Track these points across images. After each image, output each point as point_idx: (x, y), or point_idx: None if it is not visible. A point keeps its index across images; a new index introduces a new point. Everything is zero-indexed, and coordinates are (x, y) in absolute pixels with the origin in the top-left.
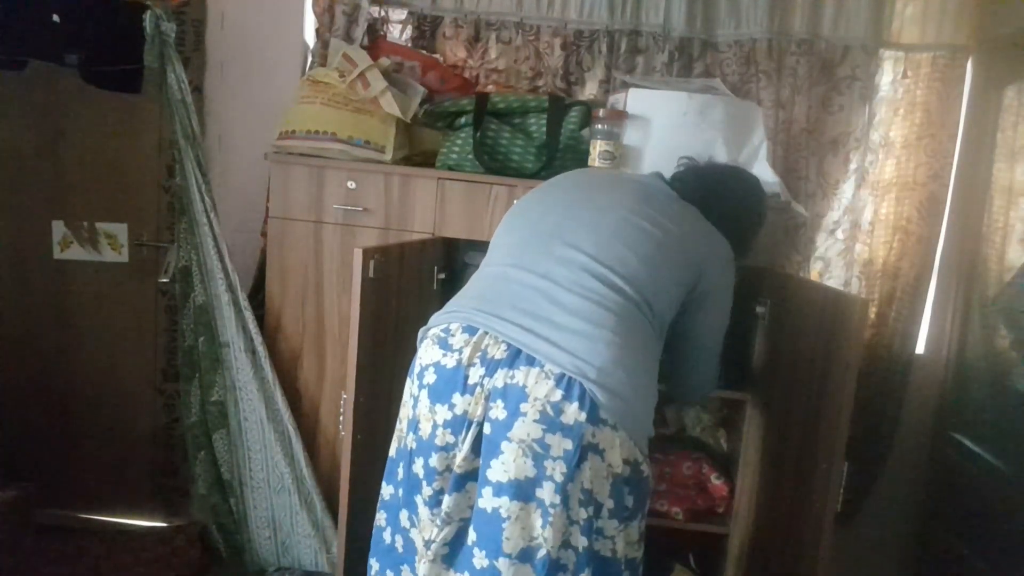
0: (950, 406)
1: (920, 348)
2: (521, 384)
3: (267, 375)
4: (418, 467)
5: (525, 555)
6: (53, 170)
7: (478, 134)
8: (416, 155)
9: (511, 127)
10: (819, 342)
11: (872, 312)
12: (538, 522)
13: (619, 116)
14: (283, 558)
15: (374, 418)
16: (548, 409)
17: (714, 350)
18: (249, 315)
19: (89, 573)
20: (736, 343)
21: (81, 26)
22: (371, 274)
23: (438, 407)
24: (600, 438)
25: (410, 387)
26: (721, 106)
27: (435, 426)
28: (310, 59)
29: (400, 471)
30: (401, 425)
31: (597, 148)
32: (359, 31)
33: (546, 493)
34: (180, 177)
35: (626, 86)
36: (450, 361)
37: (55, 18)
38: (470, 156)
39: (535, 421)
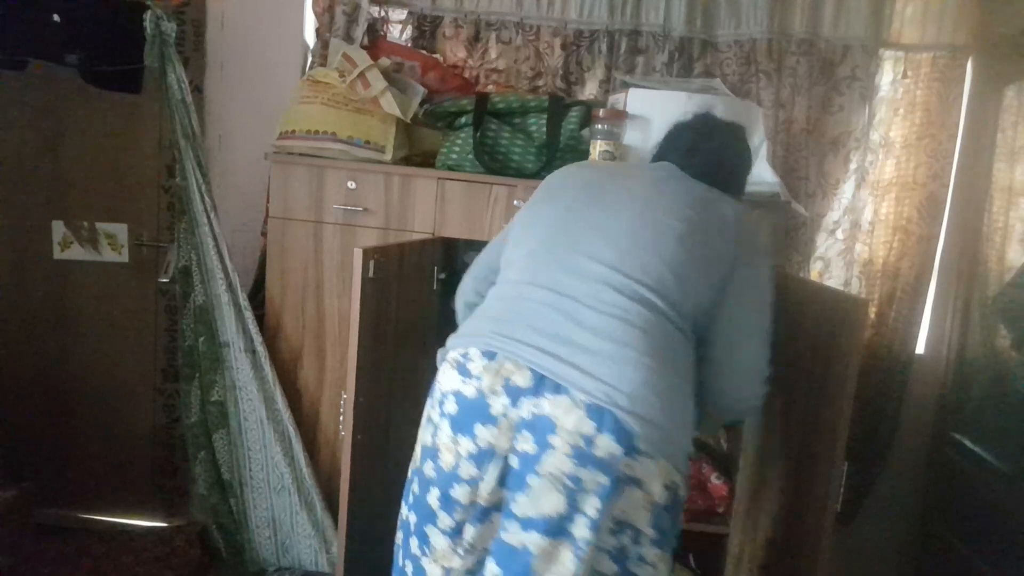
0: (950, 406)
1: (920, 348)
2: (549, 414)
3: (267, 375)
4: (433, 498)
5: None
6: (53, 170)
7: (478, 134)
8: (416, 155)
9: (511, 127)
10: (819, 342)
11: (872, 312)
12: (569, 558)
13: (619, 116)
14: (283, 558)
15: (374, 418)
16: (580, 442)
17: (766, 335)
18: (249, 315)
19: (89, 573)
20: None
21: (81, 26)
22: (371, 274)
23: (461, 439)
24: (638, 470)
25: (430, 412)
26: (721, 106)
27: (459, 457)
28: (310, 59)
29: (412, 495)
30: (418, 448)
31: (597, 148)
32: (359, 31)
33: (578, 528)
34: (180, 177)
35: (626, 86)
36: (470, 390)
37: (55, 18)
38: (470, 156)
39: (566, 455)
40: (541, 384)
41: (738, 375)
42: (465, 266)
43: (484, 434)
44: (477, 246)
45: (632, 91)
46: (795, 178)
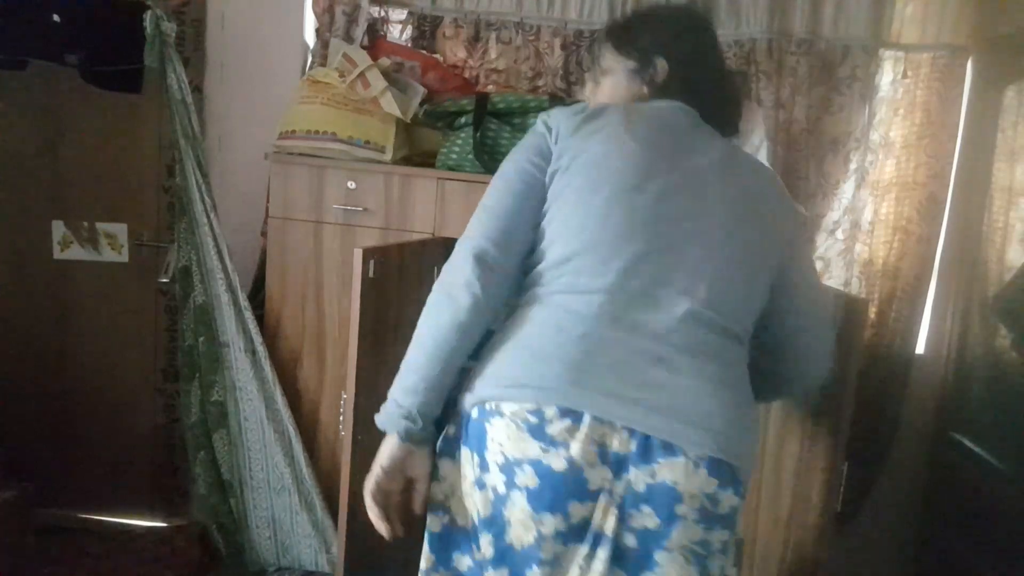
0: (950, 406)
1: (920, 348)
2: (669, 481)
3: (267, 375)
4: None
5: None
6: (53, 170)
7: (478, 134)
8: (416, 155)
9: (511, 127)
10: None
11: (872, 312)
12: None
13: None
14: (283, 558)
15: (374, 418)
16: (705, 503)
17: (821, 286)
18: (249, 315)
19: (89, 573)
20: None
21: (81, 26)
22: (371, 274)
23: (546, 517)
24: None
25: (483, 475)
26: None
27: (540, 537)
28: (310, 59)
29: (459, 562)
30: (464, 507)
31: None
32: (359, 31)
33: None
34: (180, 177)
35: None
36: (557, 462)
37: (55, 18)
38: (470, 156)
39: (695, 522)
40: (648, 447)
41: (825, 327)
42: None
43: (580, 511)
44: None
45: None
46: (795, 178)
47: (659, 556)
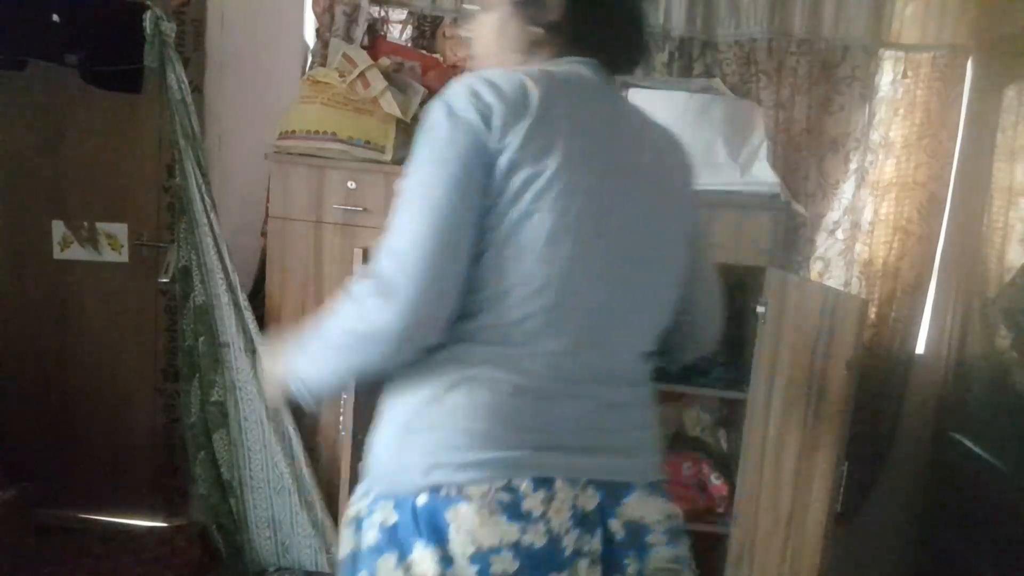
0: (950, 406)
1: (920, 348)
2: (636, 519)
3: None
4: None
5: None
6: (53, 170)
7: None
8: None
9: None
10: (819, 342)
11: (872, 312)
12: None
13: None
14: (283, 558)
15: (374, 418)
16: (667, 524)
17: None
18: (249, 315)
19: (89, 573)
20: (736, 343)
21: (81, 26)
22: None
23: None
24: None
25: (447, 569)
26: (721, 106)
27: None
28: (310, 59)
29: None
30: None
31: None
32: (359, 31)
33: None
34: (180, 177)
35: (626, 86)
36: (538, 539)
37: (55, 18)
38: None
39: (665, 545)
40: (610, 494)
41: (717, 299)
42: None
43: None
44: None
45: (632, 91)
46: (795, 178)
47: None
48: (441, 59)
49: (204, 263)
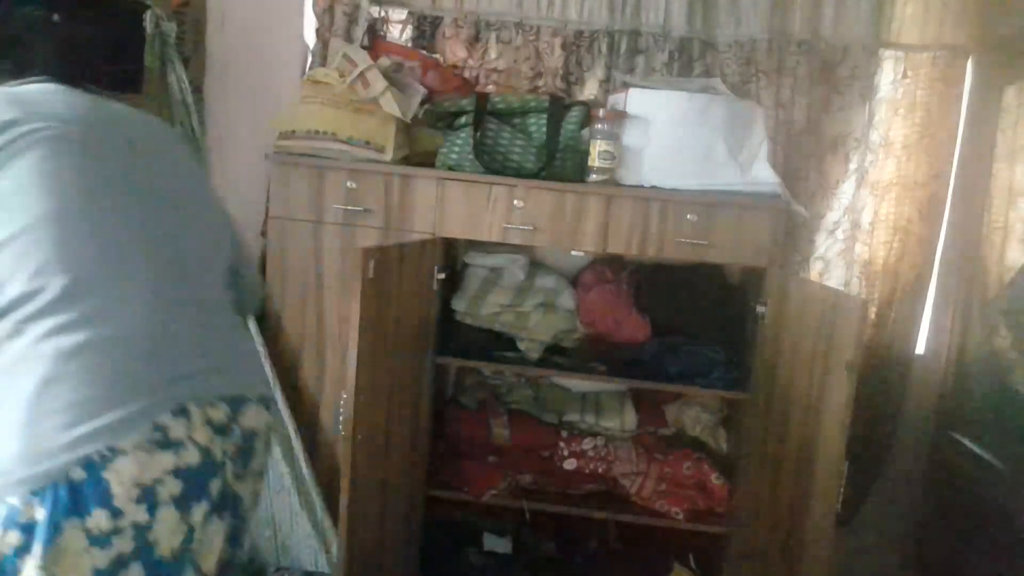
0: (950, 406)
1: (920, 348)
2: (250, 428)
3: (267, 375)
4: None
5: None
6: None
7: (478, 134)
8: (416, 155)
9: (511, 127)
10: (819, 342)
11: (872, 312)
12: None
13: (619, 116)
14: (283, 558)
15: (374, 418)
16: (270, 435)
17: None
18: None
19: None
20: (736, 343)
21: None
22: (371, 274)
23: (194, 507)
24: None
25: (118, 520)
26: (721, 106)
27: (191, 529)
28: (310, 59)
29: None
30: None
31: (597, 148)
32: (359, 31)
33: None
34: None
35: (626, 86)
36: (191, 457)
37: (55, 18)
38: (470, 156)
39: (263, 451)
40: (232, 405)
41: (249, 275)
42: (465, 266)
43: (216, 485)
44: (477, 246)
45: (632, 91)
46: (795, 178)
47: (238, 487)
48: (441, 59)
49: None
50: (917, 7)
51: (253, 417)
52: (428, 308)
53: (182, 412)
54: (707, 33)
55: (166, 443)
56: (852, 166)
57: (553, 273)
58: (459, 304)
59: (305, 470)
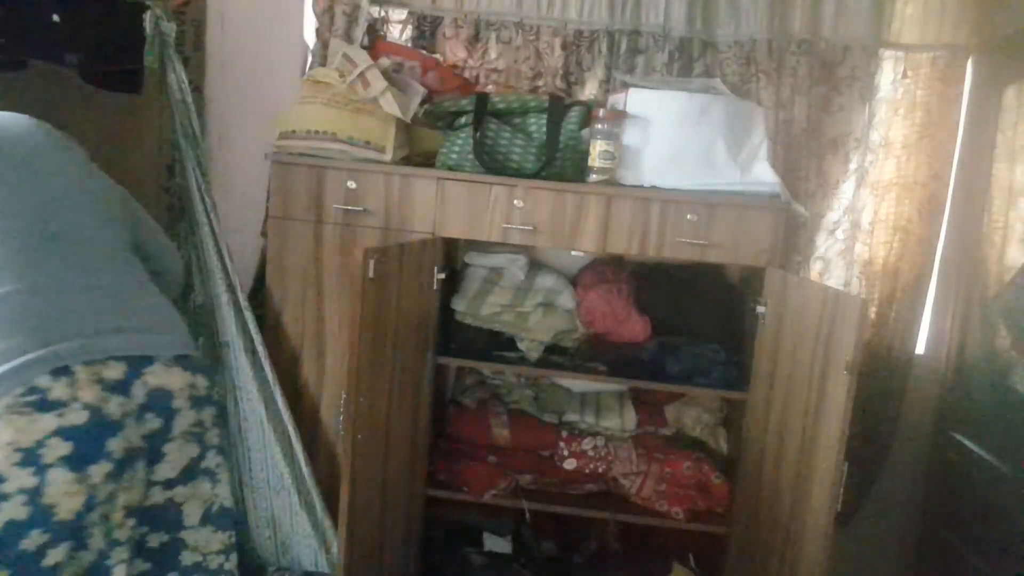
0: (950, 406)
1: (920, 348)
2: (160, 386)
3: (267, 375)
4: (59, 552)
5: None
6: None
7: (478, 134)
8: (416, 155)
9: (511, 127)
10: (819, 342)
11: (872, 312)
12: (208, 487)
13: (619, 116)
14: (283, 558)
15: (374, 418)
16: (192, 392)
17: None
18: (249, 315)
19: None
20: (736, 343)
21: (81, 26)
22: (371, 274)
23: (92, 469)
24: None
25: (3, 486)
26: (721, 106)
27: (92, 489)
28: (310, 59)
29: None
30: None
31: (597, 148)
32: (359, 31)
33: (211, 461)
34: (180, 177)
35: (626, 86)
36: (77, 416)
37: (55, 18)
38: (470, 156)
39: (190, 409)
40: (131, 365)
41: (168, 258)
42: (465, 266)
43: (120, 444)
44: (477, 246)
45: (632, 91)
46: (795, 178)
47: (167, 447)
48: (441, 59)
49: (204, 263)
50: (917, 7)
51: (163, 375)
52: (428, 308)
53: (64, 372)
54: (707, 33)
55: (45, 404)
56: (852, 166)
57: (553, 273)
58: (459, 304)
59: (305, 470)
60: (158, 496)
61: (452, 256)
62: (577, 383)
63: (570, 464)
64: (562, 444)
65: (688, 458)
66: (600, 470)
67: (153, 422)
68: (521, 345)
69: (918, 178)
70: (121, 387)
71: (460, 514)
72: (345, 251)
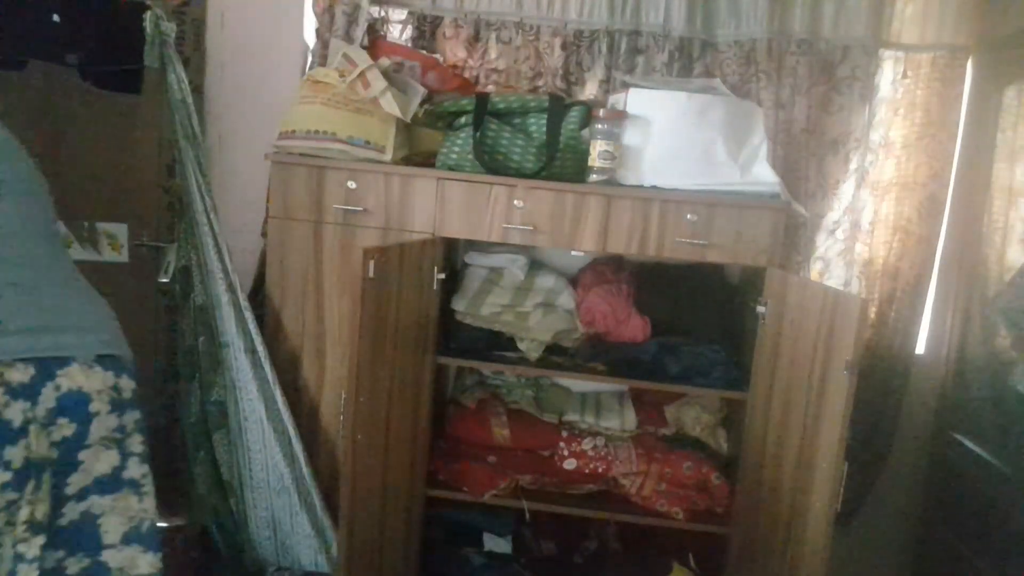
0: (950, 406)
1: (920, 348)
2: (75, 389)
3: (267, 375)
4: None
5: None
6: (53, 170)
7: (478, 134)
8: (416, 155)
9: (511, 127)
10: (819, 342)
11: (872, 312)
12: (135, 500)
13: (619, 116)
14: (283, 558)
15: (374, 418)
16: (113, 394)
17: None
18: (249, 315)
19: None
20: (736, 343)
21: (81, 26)
22: (371, 274)
23: None
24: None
25: None
26: (721, 106)
27: None
28: (310, 59)
29: None
30: None
31: (597, 148)
32: (359, 31)
33: (135, 471)
34: (180, 177)
35: (626, 86)
36: None
37: (55, 18)
38: (470, 156)
39: (109, 413)
40: (41, 368)
41: None
42: (465, 266)
43: (17, 452)
44: (477, 246)
45: (632, 91)
46: (795, 178)
47: (82, 455)
48: (441, 59)
49: (204, 263)
50: (917, 7)
51: (79, 377)
52: (428, 308)
53: None
54: (707, 33)
55: None
56: (852, 166)
57: (553, 273)
58: (459, 304)
59: (305, 470)
60: (72, 512)
61: (452, 256)
62: (577, 383)
63: (570, 464)
64: (562, 444)
65: (688, 458)
66: (600, 470)
67: (65, 428)
68: (521, 345)
69: (918, 178)
70: (27, 391)
71: (460, 514)
72: (345, 251)
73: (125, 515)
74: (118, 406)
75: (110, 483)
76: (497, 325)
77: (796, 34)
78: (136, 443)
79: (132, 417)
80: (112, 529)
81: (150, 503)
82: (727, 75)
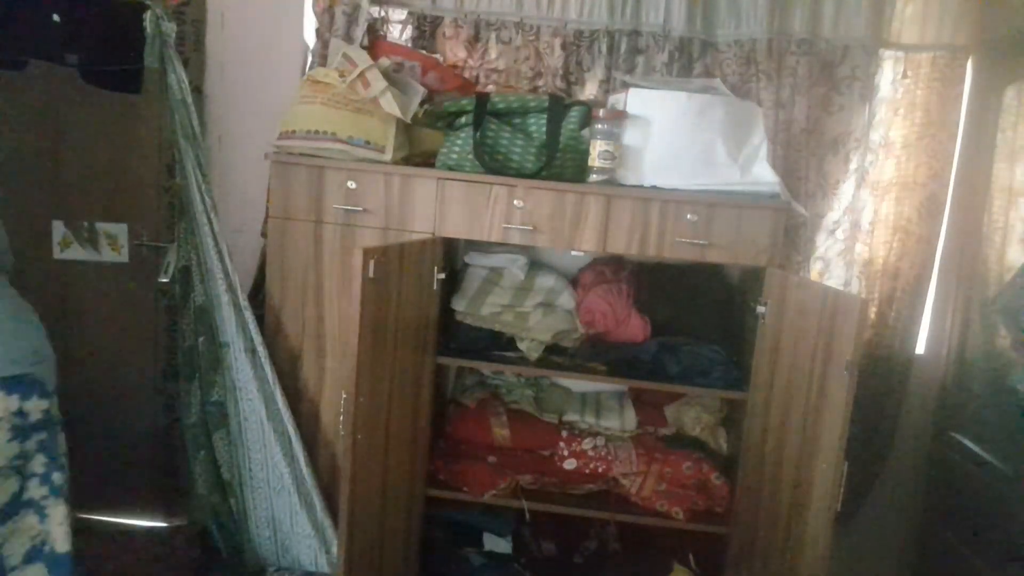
0: (950, 406)
1: (920, 348)
2: None
3: (267, 375)
4: None
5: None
6: (53, 170)
7: (478, 134)
8: (416, 155)
9: (511, 127)
10: (819, 342)
11: (872, 312)
12: (35, 521)
13: (619, 116)
14: (283, 558)
15: (374, 418)
16: (16, 421)
17: None
18: (249, 315)
19: (89, 573)
20: (736, 343)
21: (81, 26)
22: (371, 274)
23: None
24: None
25: None
26: (721, 106)
27: None
28: (310, 59)
29: None
30: None
31: (597, 148)
32: (359, 31)
33: (35, 491)
34: (180, 177)
35: (626, 86)
36: None
37: (55, 18)
38: (470, 156)
39: (9, 441)
40: None
41: None
42: (465, 266)
43: None
44: (477, 246)
45: (632, 91)
46: (795, 178)
47: None
48: (441, 59)
49: (204, 263)
50: (917, 7)
51: None
52: (428, 308)
53: None
54: (707, 33)
55: None
56: (852, 166)
57: (553, 273)
58: (459, 304)
59: (305, 470)
60: None
61: (452, 256)
62: (577, 383)
63: (570, 464)
64: (562, 444)
65: (688, 458)
66: (600, 470)
67: None
68: (521, 345)
69: (918, 178)
70: None
71: (460, 514)
72: (345, 251)
73: (27, 535)
74: (20, 432)
75: (10, 509)
76: (497, 325)
77: (796, 34)
78: (38, 464)
79: (37, 439)
80: (14, 552)
81: (56, 521)
82: (727, 75)
